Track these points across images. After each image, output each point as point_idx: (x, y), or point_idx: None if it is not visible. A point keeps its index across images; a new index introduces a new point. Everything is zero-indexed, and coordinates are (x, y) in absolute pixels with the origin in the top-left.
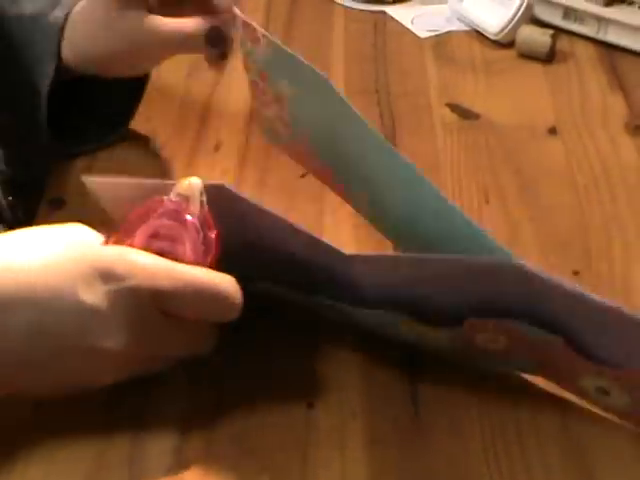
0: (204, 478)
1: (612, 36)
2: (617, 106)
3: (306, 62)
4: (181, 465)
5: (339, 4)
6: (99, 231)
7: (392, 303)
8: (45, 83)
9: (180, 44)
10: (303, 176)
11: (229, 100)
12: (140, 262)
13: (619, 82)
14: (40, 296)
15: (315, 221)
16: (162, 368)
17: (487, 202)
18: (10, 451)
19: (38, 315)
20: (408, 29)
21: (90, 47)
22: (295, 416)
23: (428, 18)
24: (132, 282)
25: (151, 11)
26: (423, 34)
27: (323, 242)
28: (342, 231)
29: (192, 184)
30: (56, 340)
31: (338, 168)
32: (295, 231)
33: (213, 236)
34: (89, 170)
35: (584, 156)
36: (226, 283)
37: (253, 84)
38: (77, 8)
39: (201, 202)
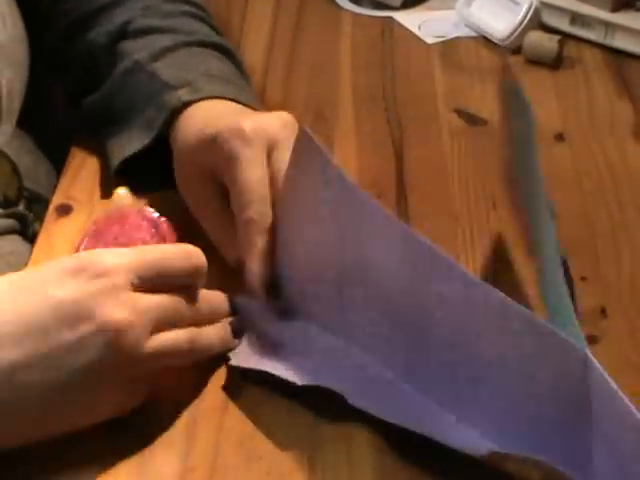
0: None
1: (619, 42)
2: (624, 112)
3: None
4: (188, 470)
5: (346, 10)
6: None
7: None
8: (135, 146)
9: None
10: None
11: None
12: (105, 252)
13: (626, 88)
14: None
15: None
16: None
17: (494, 208)
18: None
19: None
20: (415, 35)
21: (177, 159)
22: (302, 423)
23: (435, 24)
24: (101, 267)
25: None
26: (430, 40)
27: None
28: None
29: (120, 195)
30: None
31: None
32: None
33: (164, 224)
34: (98, 176)
35: (591, 162)
36: (188, 246)
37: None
38: (199, 111)
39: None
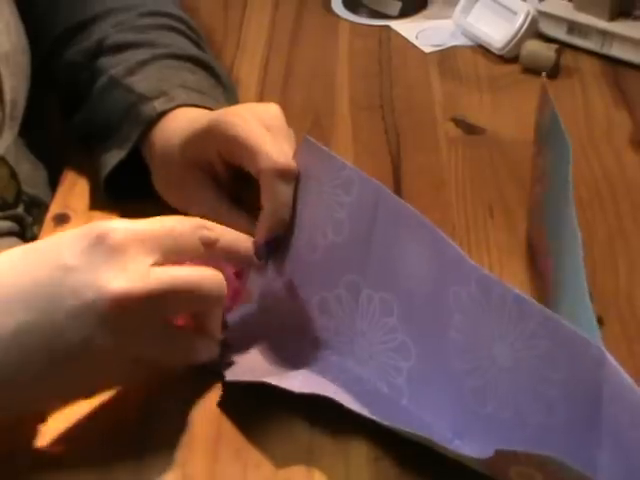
0: None
1: (617, 51)
2: (622, 121)
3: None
4: (186, 478)
5: (343, 19)
6: None
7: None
8: (111, 162)
9: None
10: None
11: None
12: (120, 222)
13: (623, 97)
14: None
15: None
16: (165, 371)
17: (492, 216)
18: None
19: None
20: (413, 44)
21: (159, 167)
22: (299, 431)
23: (433, 33)
24: (114, 237)
25: (220, 183)
26: (428, 49)
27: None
28: None
29: None
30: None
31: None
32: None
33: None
34: (95, 186)
35: (588, 171)
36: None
37: (534, 156)
38: (174, 118)
39: None
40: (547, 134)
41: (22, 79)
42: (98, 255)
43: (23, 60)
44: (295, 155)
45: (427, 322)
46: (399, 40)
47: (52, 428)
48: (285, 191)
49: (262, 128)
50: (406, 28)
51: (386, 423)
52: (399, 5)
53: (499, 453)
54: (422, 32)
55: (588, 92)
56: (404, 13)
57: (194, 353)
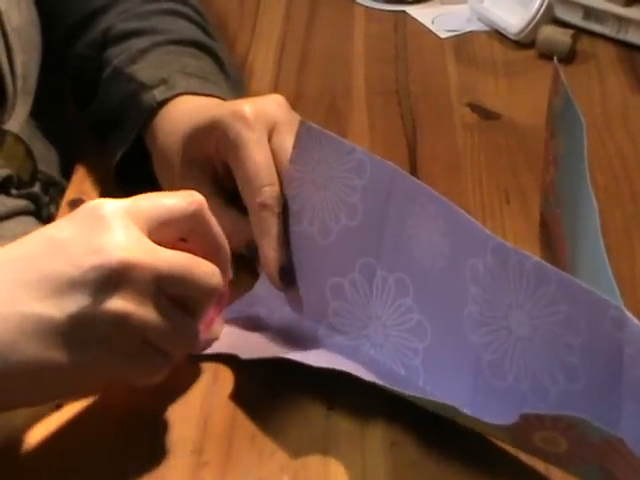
0: (224, 479)
1: (632, 36)
2: (638, 106)
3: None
4: (201, 465)
5: (359, 4)
6: None
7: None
8: (118, 152)
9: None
10: None
11: None
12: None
13: (639, 82)
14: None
15: None
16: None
17: (507, 202)
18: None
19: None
20: (429, 29)
21: (159, 159)
22: (315, 418)
23: (448, 18)
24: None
25: (218, 179)
26: (443, 34)
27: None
28: None
29: None
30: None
31: (571, 244)
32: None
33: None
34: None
35: (605, 156)
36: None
37: (546, 141)
38: (174, 109)
39: None
40: (560, 116)
41: (34, 53)
42: (87, 225)
43: (34, 34)
44: (295, 142)
45: (443, 298)
46: (415, 25)
47: (66, 415)
48: (275, 227)
49: (264, 137)
50: (422, 13)
51: (407, 393)
52: None
53: (524, 418)
54: (438, 17)
55: (604, 77)
56: None
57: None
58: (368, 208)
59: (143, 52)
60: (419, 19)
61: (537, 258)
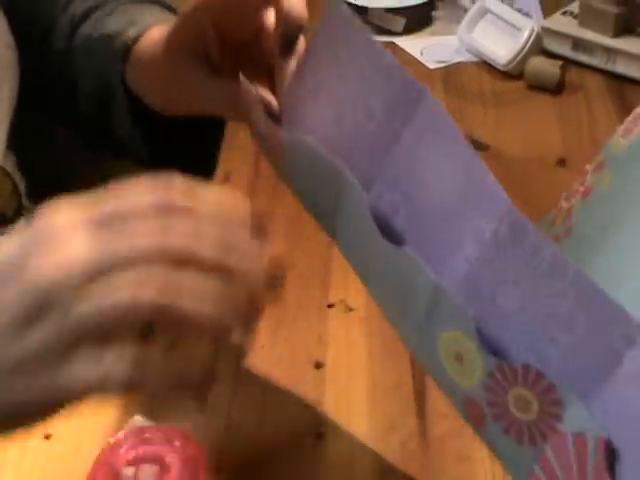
0: None
1: (621, 67)
2: None
3: None
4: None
5: None
6: None
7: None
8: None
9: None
10: None
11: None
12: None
13: (628, 113)
14: None
15: (325, 250)
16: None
17: None
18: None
19: None
20: (417, 60)
21: (149, 85)
22: (304, 446)
23: (437, 49)
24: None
25: (213, 64)
26: (432, 65)
27: None
28: None
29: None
30: None
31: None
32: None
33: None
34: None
35: None
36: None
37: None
38: (149, 36)
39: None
40: (628, 158)
41: (7, 76)
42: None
43: (7, 54)
44: (322, 20)
45: (435, 241)
46: (404, 56)
47: (55, 446)
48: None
49: None
50: (411, 44)
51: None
52: (403, 21)
53: (499, 367)
54: (427, 48)
55: (593, 108)
56: (409, 29)
57: None
58: (388, 117)
59: (108, 14)
60: (408, 50)
61: (557, 248)
